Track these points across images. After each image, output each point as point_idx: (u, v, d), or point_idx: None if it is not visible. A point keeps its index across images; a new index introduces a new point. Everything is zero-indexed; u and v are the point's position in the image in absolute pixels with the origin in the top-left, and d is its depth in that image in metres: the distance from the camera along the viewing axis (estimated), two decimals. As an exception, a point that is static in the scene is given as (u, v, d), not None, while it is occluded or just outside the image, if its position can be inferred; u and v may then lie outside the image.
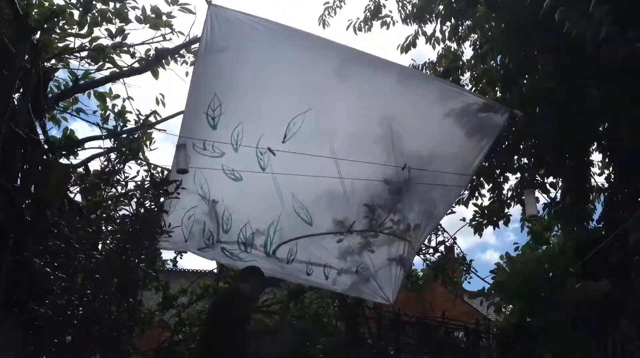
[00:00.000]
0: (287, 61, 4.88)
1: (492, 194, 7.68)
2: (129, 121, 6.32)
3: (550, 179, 7.34)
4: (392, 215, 5.50)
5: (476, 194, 7.74)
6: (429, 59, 8.46)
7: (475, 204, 7.89)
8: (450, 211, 6.89)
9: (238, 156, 5.07)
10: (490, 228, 7.87)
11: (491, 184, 7.54)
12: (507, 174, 7.49)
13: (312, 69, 4.88)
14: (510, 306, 7.18)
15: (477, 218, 7.89)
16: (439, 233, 8.21)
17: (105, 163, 4.97)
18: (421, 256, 8.33)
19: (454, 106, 4.95)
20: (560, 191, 7.39)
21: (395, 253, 5.72)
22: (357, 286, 6.09)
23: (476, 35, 7.74)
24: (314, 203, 5.42)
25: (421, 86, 5.25)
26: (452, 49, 8.17)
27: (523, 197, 6.15)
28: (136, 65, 5.97)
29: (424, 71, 8.11)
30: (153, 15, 5.65)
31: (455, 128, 5.01)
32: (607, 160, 7.34)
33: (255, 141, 5.00)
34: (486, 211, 7.77)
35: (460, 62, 8.00)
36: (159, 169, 5.37)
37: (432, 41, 7.98)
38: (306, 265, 5.73)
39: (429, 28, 8.06)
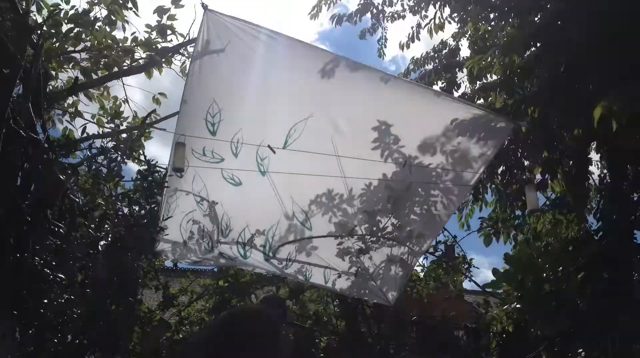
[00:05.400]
0: (282, 68, 4.86)
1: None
2: (126, 120, 6.32)
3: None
4: (393, 219, 5.47)
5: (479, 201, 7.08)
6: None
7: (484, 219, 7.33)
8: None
9: (238, 162, 5.05)
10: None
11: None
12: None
13: (307, 76, 4.83)
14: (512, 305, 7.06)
15: (486, 228, 7.31)
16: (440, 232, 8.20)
17: (105, 161, 4.95)
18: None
19: (454, 113, 4.89)
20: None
21: (395, 257, 5.71)
22: (356, 288, 6.13)
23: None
24: (313, 207, 5.41)
25: (416, 94, 5.13)
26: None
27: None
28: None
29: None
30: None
31: (456, 133, 4.94)
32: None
33: (255, 147, 4.98)
34: (498, 222, 7.19)
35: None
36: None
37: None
38: (306, 267, 5.75)
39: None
